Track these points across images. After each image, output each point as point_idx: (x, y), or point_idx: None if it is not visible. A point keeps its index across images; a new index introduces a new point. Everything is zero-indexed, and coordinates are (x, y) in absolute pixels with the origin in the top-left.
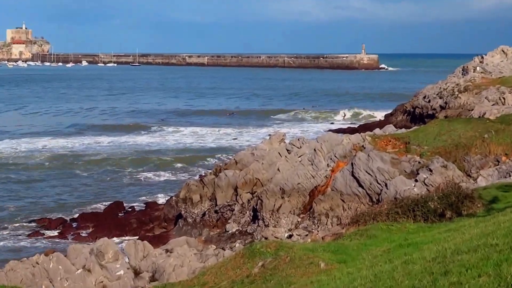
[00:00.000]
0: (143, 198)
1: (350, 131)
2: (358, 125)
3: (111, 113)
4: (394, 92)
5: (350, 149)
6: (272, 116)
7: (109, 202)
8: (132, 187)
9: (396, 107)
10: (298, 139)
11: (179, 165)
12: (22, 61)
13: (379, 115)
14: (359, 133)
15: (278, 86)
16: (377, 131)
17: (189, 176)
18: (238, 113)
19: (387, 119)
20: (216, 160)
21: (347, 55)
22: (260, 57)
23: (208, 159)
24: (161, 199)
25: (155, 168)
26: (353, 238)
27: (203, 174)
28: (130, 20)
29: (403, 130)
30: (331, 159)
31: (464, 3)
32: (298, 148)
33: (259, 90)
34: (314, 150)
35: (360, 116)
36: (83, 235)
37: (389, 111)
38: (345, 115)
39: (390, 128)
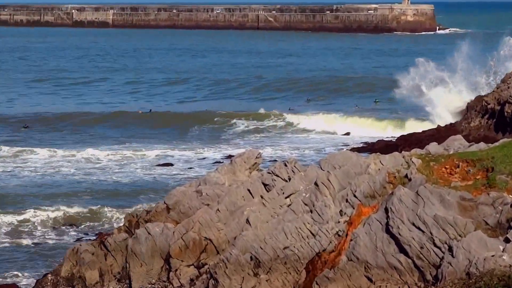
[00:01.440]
0: None
1: (382, 147)
2: (397, 137)
3: None
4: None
5: (383, 183)
6: (229, 125)
7: None
8: None
9: (469, 103)
10: (285, 164)
11: (56, 215)
12: None
13: (438, 119)
14: (400, 151)
15: (243, 67)
16: (433, 147)
17: (78, 237)
18: (162, 117)
19: (452, 126)
20: (128, 206)
21: (375, 5)
22: (212, 10)
23: (111, 204)
24: (25, 280)
25: (11, 228)
26: None
27: (105, 232)
28: None
29: (482, 145)
30: (347, 201)
31: None
32: (285, 181)
33: (207, 74)
34: (316, 184)
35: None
36: None
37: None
38: (376, 100)
39: (457, 143)
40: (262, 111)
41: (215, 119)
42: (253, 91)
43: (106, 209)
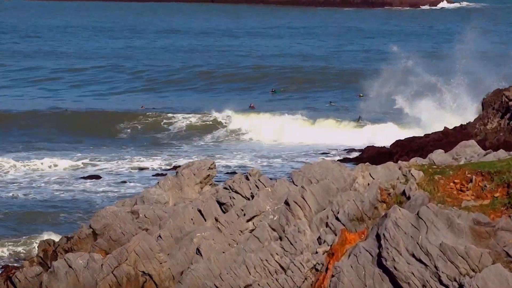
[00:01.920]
0: None
1: (373, 156)
2: (392, 143)
3: None
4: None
5: (373, 202)
6: (171, 126)
7: None
8: None
9: (485, 99)
10: (247, 178)
11: None
12: None
13: (448, 119)
14: (395, 160)
15: (189, 51)
16: (438, 155)
17: None
18: (83, 117)
19: (463, 129)
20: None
21: None
22: None
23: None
24: None
25: None
26: None
27: (13, 266)
28: None
29: (502, 153)
30: (327, 225)
31: None
32: (247, 199)
33: (142, 61)
34: (287, 204)
35: (402, 123)
36: None
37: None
38: (360, 119)
39: (470, 150)
40: (213, 109)
41: (151, 120)
42: (202, 84)
43: (12, 234)
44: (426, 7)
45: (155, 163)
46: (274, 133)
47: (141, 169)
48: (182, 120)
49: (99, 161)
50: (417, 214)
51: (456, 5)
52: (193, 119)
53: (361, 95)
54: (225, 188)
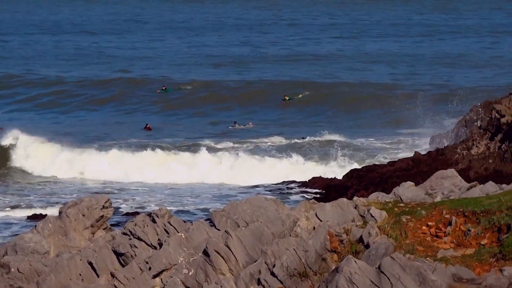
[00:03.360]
0: None
1: (321, 189)
2: (346, 173)
3: None
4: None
5: (321, 251)
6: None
7: None
8: None
9: (468, 113)
10: (153, 219)
11: None
12: None
13: (418, 143)
14: (350, 196)
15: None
16: (406, 190)
17: None
18: None
19: (440, 154)
20: None
21: None
22: None
23: None
24: None
25: None
26: None
27: None
28: None
29: (491, 187)
30: (259, 282)
31: None
32: (153, 247)
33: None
34: (206, 254)
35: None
36: None
37: (444, 126)
38: (235, 124)
39: (448, 182)
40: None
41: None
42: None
43: None
44: None
45: (30, 197)
46: None
47: (12, 206)
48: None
49: None
50: (379, 267)
51: None
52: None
53: (287, 97)
54: (125, 233)
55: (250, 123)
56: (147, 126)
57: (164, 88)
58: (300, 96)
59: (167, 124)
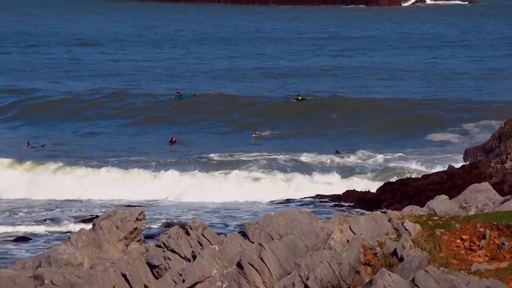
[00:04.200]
0: None
1: (355, 202)
2: (380, 186)
3: None
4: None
5: (355, 264)
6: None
7: None
8: None
9: (502, 127)
10: (187, 232)
11: None
12: None
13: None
14: (382, 209)
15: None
16: (440, 203)
17: None
18: None
19: (474, 168)
20: None
21: None
22: None
23: None
24: None
25: None
26: None
27: None
28: None
29: None
30: None
31: None
32: (187, 260)
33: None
34: (240, 267)
35: (386, 161)
36: None
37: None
38: (257, 134)
39: (482, 196)
40: None
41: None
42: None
43: None
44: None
45: (58, 208)
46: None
47: (46, 220)
48: None
49: None
50: (412, 280)
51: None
52: None
53: (300, 97)
54: (158, 246)
55: (268, 130)
56: (172, 140)
57: (178, 94)
58: (313, 97)
59: (191, 136)
